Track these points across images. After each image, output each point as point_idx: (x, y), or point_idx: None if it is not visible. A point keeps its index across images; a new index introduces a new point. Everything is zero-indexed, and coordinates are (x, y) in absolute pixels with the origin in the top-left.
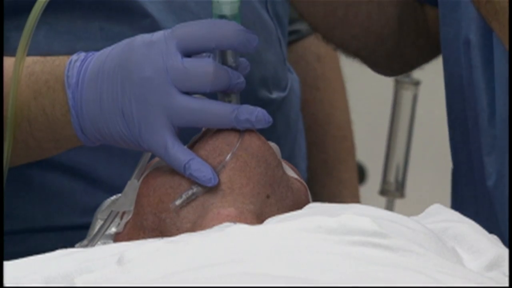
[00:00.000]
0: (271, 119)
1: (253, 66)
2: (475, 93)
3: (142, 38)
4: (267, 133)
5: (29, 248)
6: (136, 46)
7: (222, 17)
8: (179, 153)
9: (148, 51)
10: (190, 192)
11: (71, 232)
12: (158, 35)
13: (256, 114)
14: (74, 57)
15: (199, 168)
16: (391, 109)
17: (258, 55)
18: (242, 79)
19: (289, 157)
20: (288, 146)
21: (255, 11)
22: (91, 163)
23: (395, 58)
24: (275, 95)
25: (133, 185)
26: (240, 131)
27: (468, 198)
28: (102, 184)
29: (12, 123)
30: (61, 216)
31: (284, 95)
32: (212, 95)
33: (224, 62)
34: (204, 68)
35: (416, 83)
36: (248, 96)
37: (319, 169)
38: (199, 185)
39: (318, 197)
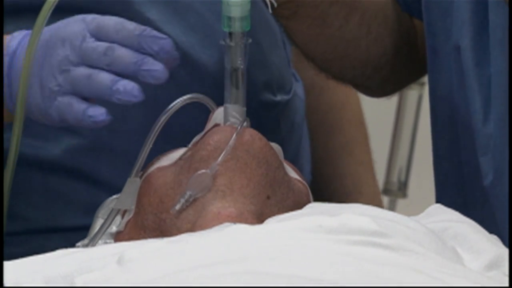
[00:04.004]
0: (142, 95)
1: (258, 69)
2: (468, 96)
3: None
4: (272, 135)
5: (32, 249)
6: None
7: (231, 19)
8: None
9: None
10: (186, 195)
11: (73, 233)
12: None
13: (128, 86)
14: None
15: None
16: (396, 109)
17: (263, 57)
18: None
19: (294, 160)
20: (293, 149)
21: (261, 12)
22: (93, 164)
23: (389, 83)
24: (279, 97)
25: (134, 184)
26: (237, 129)
27: (458, 206)
28: (105, 185)
29: (20, 121)
30: (63, 217)
31: (289, 98)
32: (218, 94)
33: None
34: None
35: (422, 84)
36: (252, 99)
37: (340, 150)
38: (195, 186)
39: (340, 179)
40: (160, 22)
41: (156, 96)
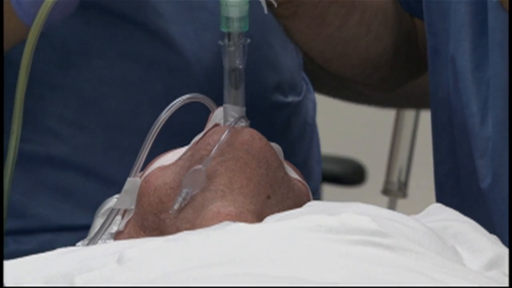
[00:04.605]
0: None
1: (269, 70)
2: (463, 100)
3: None
4: (283, 135)
5: (41, 247)
6: None
7: (229, 19)
8: None
9: None
10: (183, 193)
11: (83, 232)
12: None
13: None
14: None
15: None
16: (396, 109)
17: (275, 58)
18: None
19: (304, 161)
20: (304, 150)
21: None
22: (103, 162)
23: (388, 80)
24: (290, 98)
25: (134, 183)
26: (231, 125)
27: (455, 208)
28: (115, 183)
29: (19, 120)
30: (74, 215)
31: (300, 99)
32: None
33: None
34: None
35: None
36: (263, 100)
37: None
38: (190, 183)
39: None
40: (172, 19)
41: (167, 93)
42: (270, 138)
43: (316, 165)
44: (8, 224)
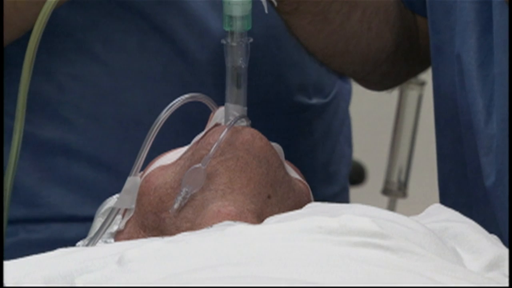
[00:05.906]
0: None
1: (293, 71)
2: (468, 97)
3: None
4: (303, 137)
5: (53, 237)
6: None
7: (232, 18)
8: None
9: None
10: (183, 193)
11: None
12: None
13: None
14: None
15: None
16: (395, 109)
17: (301, 59)
18: None
19: (327, 163)
20: (326, 153)
21: None
22: (115, 155)
23: (389, 77)
24: (314, 100)
25: (134, 183)
26: (228, 126)
27: (461, 205)
28: (126, 176)
29: (21, 120)
30: (84, 206)
31: (326, 102)
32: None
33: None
34: None
35: (422, 84)
36: (285, 100)
37: None
38: (189, 182)
39: None
40: (204, 10)
41: (185, 88)
42: (291, 139)
43: (342, 166)
44: (19, 212)
